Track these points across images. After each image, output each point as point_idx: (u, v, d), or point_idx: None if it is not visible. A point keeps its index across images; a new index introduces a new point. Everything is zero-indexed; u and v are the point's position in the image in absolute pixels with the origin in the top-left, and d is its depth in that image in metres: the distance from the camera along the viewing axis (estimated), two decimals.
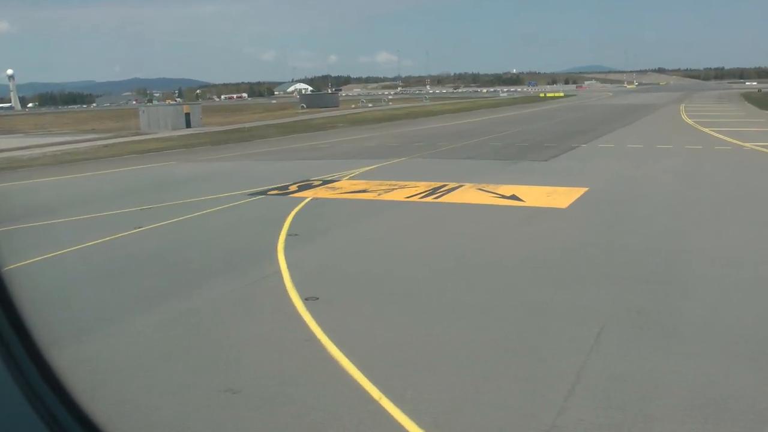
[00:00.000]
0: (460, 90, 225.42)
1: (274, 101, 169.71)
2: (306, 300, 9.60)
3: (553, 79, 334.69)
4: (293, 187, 21.06)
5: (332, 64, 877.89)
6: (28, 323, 1.74)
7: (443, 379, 6.83)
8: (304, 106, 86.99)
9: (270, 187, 21.06)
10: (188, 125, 63.61)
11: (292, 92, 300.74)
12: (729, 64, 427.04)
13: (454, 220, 15.83)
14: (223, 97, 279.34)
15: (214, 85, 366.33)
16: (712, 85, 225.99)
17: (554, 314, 8.81)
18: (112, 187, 23.95)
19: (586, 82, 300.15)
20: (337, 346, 7.81)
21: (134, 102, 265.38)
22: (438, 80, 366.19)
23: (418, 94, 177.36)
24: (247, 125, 63.87)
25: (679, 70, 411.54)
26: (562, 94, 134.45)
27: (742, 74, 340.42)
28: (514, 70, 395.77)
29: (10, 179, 27.10)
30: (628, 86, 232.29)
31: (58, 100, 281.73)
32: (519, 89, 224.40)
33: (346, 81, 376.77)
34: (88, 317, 9.37)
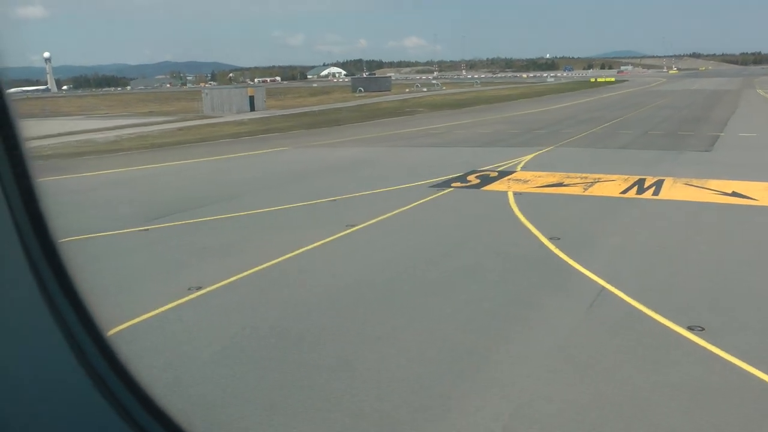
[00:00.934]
0: (499, 75, 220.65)
1: (315, 84, 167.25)
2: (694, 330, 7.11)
3: (588, 64, 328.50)
4: (472, 179, 18.68)
5: (362, 49, 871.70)
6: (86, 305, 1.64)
7: None
8: (362, 89, 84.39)
9: (442, 178, 18.72)
10: (252, 108, 61.47)
11: (326, 76, 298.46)
12: (766, 49, 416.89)
13: (715, 222, 13.39)
14: (256, 80, 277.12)
15: (245, 69, 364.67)
16: (759, 70, 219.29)
17: None
18: (261, 174, 21.59)
19: (623, 67, 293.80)
20: None
21: (168, 85, 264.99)
22: (471, 65, 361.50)
23: (459, 78, 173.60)
24: (315, 108, 61.44)
25: (714, 55, 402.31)
26: (612, 80, 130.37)
27: None
28: (548, 55, 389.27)
29: (125, 164, 24.87)
30: (669, 71, 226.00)
31: (92, 82, 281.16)
32: (556, 74, 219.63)
33: (379, 65, 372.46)
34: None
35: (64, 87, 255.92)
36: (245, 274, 10.05)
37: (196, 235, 13.03)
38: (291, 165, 23.68)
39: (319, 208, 15.25)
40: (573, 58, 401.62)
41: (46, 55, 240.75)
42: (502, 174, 19.37)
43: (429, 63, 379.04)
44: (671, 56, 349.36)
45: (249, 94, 62.51)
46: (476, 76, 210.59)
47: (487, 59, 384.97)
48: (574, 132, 31.91)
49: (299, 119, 48.70)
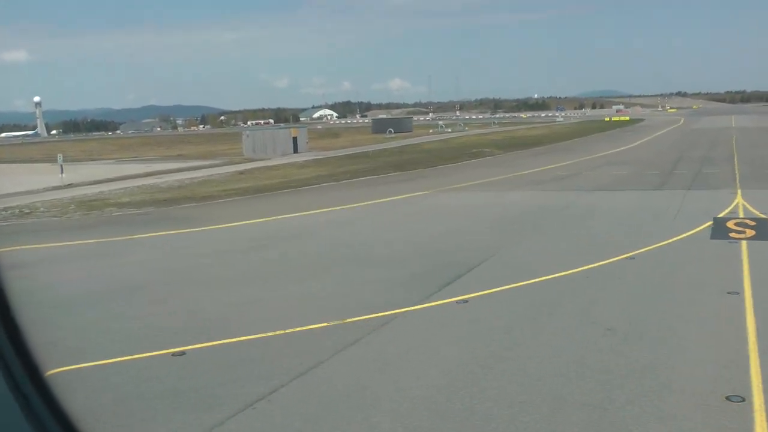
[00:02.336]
0: (497, 116, 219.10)
1: (319, 126, 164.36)
2: None
3: (580, 104, 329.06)
4: (732, 226, 15.51)
5: (346, 91, 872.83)
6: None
7: None
8: (392, 130, 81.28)
9: (701, 227, 15.56)
10: (295, 150, 57.91)
11: (319, 118, 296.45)
12: (750, 87, 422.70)
13: None
14: (249, 122, 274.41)
15: (233, 112, 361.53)
16: (755, 107, 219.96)
17: None
18: (473, 222, 18.09)
19: (615, 107, 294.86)
20: None
21: (158, 129, 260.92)
22: (460, 106, 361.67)
23: (463, 119, 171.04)
24: (366, 150, 57.91)
25: (700, 93, 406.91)
26: (627, 118, 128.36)
27: (766, 97, 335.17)
28: (536, 95, 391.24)
29: (267, 211, 20.96)
30: (668, 110, 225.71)
31: (81, 127, 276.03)
32: (554, 114, 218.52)
33: (368, 107, 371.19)
34: None
35: (53, 131, 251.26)
36: None
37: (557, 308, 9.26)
38: (490, 210, 20.17)
39: (657, 265, 11.66)
40: (559, 97, 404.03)
41: (36, 99, 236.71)
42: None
43: (418, 104, 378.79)
44: (659, 95, 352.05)
45: (293, 135, 58.97)
46: (472, 117, 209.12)
47: (476, 100, 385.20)
48: (721, 171, 28.70)
49: (368, 161, 45.09)
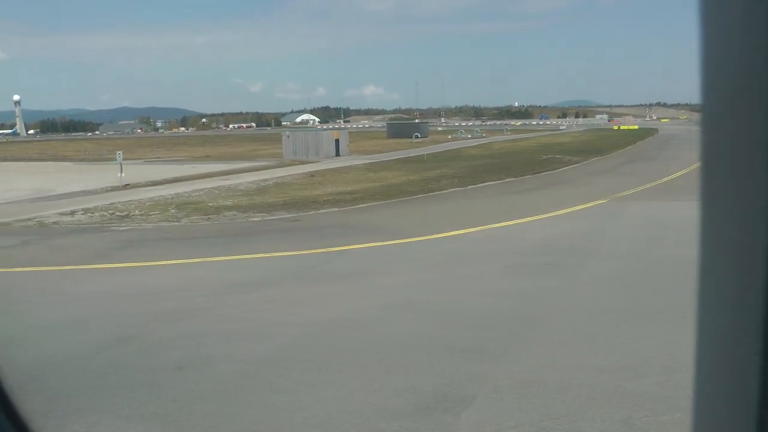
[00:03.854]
0: (488, 123, 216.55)
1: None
2: None
3: (563, 113, 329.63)
4: None
5: (320, 96, 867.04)
6: None
7: None
8: (418, 135, 78.25)
9: None
10: (337, 153, 54.70)
11: (301, 122, 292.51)
12: None
13: None
14: (231, 126, 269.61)
15: (212, 115, 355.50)
16: None
17: None
18: None
19: (598, 116, 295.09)
20: None
21: (139, 130, 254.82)
22: (439, 113, 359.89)
23: (469, 126, 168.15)
24: (410, 154, 54.83)
25: (679, 104, 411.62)
26: (636, 127, 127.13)
27: None
28: (516, 104, 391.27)
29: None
30: (662, 120, 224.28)
31: (59, 127, 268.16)
32: (531, 122, 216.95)
33: (347, 113, 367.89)
34: None
35: (30, 131, 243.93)
36: None
37: None
38: None
39: None
40: (537, 106, 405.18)
41: (16, 98, 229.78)
42: None
43: (397, 110, 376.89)
44: (639, 105, 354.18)
45: (335, 137, 55.73)
46: (462, 124, 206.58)
47: (456, 107, 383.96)
48: None
49: (441, 166, 42.17)
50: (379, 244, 15.52)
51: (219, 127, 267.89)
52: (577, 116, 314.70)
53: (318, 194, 28.13)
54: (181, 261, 14.54)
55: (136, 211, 24.92)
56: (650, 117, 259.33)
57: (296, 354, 7.84)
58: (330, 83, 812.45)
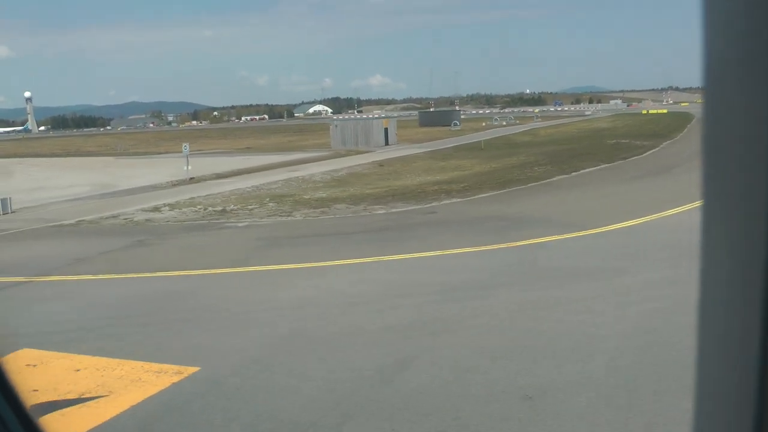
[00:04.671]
0: (507, 111, 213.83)
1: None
2: None
3: (576, 99, 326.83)
4: None
5: (327, 88, 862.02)
6: None
7: None
8: (457, 123, 76.49)
9: None
10: (386, 142, 52.97)
11: (314, 113, 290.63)
12: None
13: None
14: (243, 118, 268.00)
15: (217, 108, 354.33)
16: None
17: None
18: None
19: (612, 101, 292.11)
20: None
21: (151, 125, 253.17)
22: (450, 101, 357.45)
23: (503, 113, 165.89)
24: (462, 142, 53.04)
25: (691, 88, 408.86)
26: (665, 111, 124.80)
27: None
28: (528, 90, 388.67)
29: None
30: (681, 104, 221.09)
31: (70, 123, 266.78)
32: (549, 109, 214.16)
33: (359, 103, 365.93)
34: None
35: (41, 128, 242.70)
36: None
37: None
38: None
39: None
40: (549, 92, 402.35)
41: (27, 94, 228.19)
42: None
43: (408, 100, 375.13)
44: (652, 90, 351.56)
45: (384, 126, 54.01)
46: (479, 112, 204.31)
47: (467, 95, 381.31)
48: None
49: (510, 153, 40.43)
50: (567, 236, 13.83)
51: (231, 120, 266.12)
52: (590, 102, 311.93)
53: (411, 184, 26.44)
54: (354, 261, 12.85)
55: (231, 206, 23.30)
56: (667, 101, 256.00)
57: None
58: (336, 74, 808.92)
